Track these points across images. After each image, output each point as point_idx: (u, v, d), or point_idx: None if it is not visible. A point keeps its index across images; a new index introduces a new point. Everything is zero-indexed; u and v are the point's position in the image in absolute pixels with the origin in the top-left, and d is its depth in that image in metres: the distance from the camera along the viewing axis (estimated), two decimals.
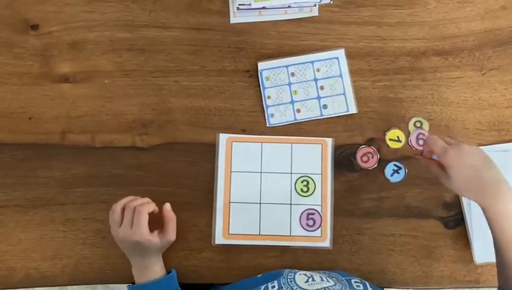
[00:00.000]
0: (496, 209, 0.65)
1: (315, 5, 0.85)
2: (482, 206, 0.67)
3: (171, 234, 0.76)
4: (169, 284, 0.74)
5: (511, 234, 0.65)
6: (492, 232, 0.67)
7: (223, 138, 0.82)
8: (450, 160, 0.68)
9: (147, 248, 0.72)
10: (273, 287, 0.67)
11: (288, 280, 0.68)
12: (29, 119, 0.82)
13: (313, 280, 0.67)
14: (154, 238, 0.73)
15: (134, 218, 0.72)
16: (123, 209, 0.73)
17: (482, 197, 0.67)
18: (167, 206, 0.76)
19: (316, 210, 0.80)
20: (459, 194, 0.76)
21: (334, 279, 0.68)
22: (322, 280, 0.67)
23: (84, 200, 0.80)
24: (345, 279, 0.69)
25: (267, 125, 0.82)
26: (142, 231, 0.71)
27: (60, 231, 0.80)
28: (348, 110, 0.83)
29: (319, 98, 0.83)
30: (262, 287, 0.66)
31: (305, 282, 0.66)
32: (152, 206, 0.74)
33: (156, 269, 0.74)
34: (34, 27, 0.85)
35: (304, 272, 0.70)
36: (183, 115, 0.83)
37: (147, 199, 0.75)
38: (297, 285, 0.66)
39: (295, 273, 0.69)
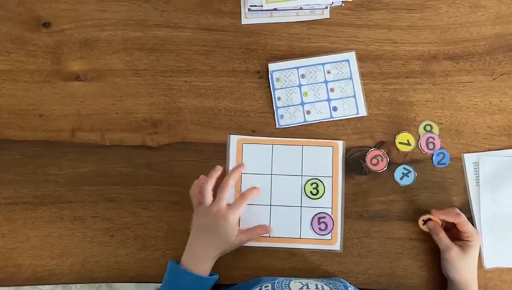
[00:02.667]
0: None
1: (326, 8, 0.85)
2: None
3: (250, 236, 0.77)
4: (209, 285, 0.73)
5: None
6: None
7: (234, 139, 0.81)
8: (476, 236, 0.73)
9: (225, 235, 0.73)
10: (266, 287, 0.66)
11: (283, 285, 0.67)
12: (39, 117, 0.83)
13: (308, 287, 0.66)
14: (237, 231, 0.74)
15: (237, 200, 0.76)
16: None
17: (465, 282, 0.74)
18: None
19: (326, 213, 0.80)
20: (450, 274, 0.75)
21: (331, 286, 0.67)
22: (317, 287, 0.66)
23: (92, 199, 0.80)
24: (343, 285, 0.68)
25: (277, 126, 0.82)
26: (237, 216, 0.74)
27: (68, 229, 0.80)
28: (358, 113, 0.83)
29: (329, 100, 0.83)
30: (256, 289, 0.66)
31: (299, 289, 0.66)
32: (255, 194, 0.78)
33: (205, 267, 0.73)
34: (46, 25, 0.85)
35: (300, 280, 0.69)
36: (193, 115, 0.83)
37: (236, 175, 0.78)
38: None
39: (290, 280, 0.68)
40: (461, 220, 0.74)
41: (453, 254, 0.73)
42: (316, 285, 0.67)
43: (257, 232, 0.78)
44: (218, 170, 0.76)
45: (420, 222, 0.78)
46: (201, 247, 0.74)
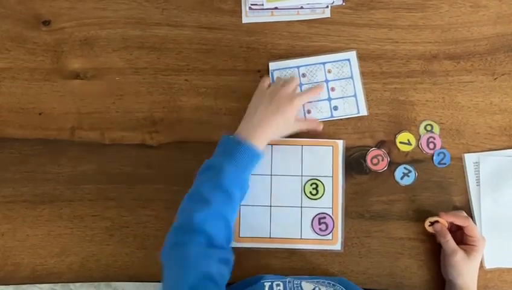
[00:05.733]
0: None
1: (327, 7, 0.85)
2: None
3: (307, 124, 0.79)
4: (257, 159, 0.73)
5: None
6: None
7: None
8: (482, 241, 0.74)
9: (285, 116, 0.75)
10: (278, 285, 0.66)
11: (295, 285, 0.67)
12: (39, 115, 0.82)
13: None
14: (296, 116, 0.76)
15: (304, 91, 0.81)
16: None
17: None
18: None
19: (327, 214, 0.79)
20: (451, 277, 0.75)
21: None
22: None
23: (92, 197, 0.80)
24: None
25: None
26: (301, 102, 0.77)
27: (68, 228, 0.80)
28: (358, 112, 0.82)
29: (329, 99, 0.83)
30: (267, 285, 0.66)
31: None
32: (320, 90, 0.82)
33: (260, 145, 0.73)
34: (46, 23, 0.85)
35: (311, 279, 0.70)
36: (193, 113, 0.83)
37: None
38: None
39: (300, 280, 0.69)
40: (469, 224, 0.74)
41: (458, 258, 0.73)
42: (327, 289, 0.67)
43: (312, 124, 0.80)
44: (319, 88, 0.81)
45: (427, 223, 0.77)
46: (261, 121, 0.74)
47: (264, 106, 0.75)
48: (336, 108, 0.83)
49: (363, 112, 0.82)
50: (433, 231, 0.77)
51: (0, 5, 0.85)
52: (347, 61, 0.84)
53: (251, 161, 0.72)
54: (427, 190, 0.81)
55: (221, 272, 0.65)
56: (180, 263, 0.63)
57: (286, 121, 0.75)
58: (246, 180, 0.72)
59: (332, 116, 0.82)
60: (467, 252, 0.73)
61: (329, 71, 0.83)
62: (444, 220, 0.76)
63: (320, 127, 0.80)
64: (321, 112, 0.82)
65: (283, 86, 0.77)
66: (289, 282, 0.68)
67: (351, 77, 0.83)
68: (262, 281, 0.69)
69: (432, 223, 0.77)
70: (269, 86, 0.80)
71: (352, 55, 0.84)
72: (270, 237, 0.79)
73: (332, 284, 0.70)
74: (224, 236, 0.68)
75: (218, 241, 0.66)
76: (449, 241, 0.74)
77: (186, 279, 0.60)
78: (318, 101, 0.83)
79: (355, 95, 0.83)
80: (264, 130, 0.73)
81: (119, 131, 0.82)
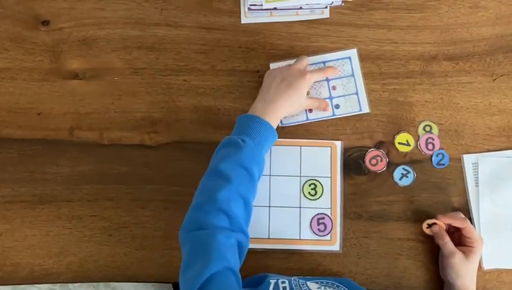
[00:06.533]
0: None
1: (326, 7, 0.85)
2: None
3: (317, 102, 0.81)
4: (273, 136, 0.74)
5: None
6: None
7: None
8: (480, 242, 0.73)
9: (298, 92, 0.75)
10: (283, 282, 0.66)
11: (300, 283, 0.67)
12: (37, 115, 0.82)
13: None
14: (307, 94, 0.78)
15: (316, 69, 0.81)
16: None
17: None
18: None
19: (325, 214, 0.79)
20: (450, 279, 0.74)
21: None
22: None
23: (91, 197, 0.80)
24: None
25: (280, 125, 0.82)
26: (313, 78, 0.78)
27: (66, 228, 0.80)
28: (360, 110, 0.82)
29: (331, 98, 0.83)
30: (273, 282, 0.66)
31: (318, 289, 0.66)
32: (332, 72, 0.83)
33: (276, 115, 0.74)
34: (45, 23, 0.85)
35: (316, 280, 0.70)
36: (192, 114, 0.83)
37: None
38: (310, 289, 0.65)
39: (307, 279, 0.69)
40: (467, 226, 0.74)
41: (456, 259, 0.73)
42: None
43: (321, 103, 0.81)
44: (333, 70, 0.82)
45: (425, 225, 0.77)
46: (274, 97, 0.74)
47: (276, 83, 0.76)
48: (337, 106, 0.83)
49: (365, 109, 0.82)
50: (430, 233, 0.77)
51: None
52: (348, 60, 0.84)
53: (267, 137, 0.72)
54: (425, 191, 0.81)
55: (239, 261, 0.65)
56: (206, 249, 0.61)
57: (299, 96, 0.76)
58: (263, 158, 0.72)
59: (334, 115, 0.82)
60: (465, 254, 0.73)
61: None
62: (442, 222, 0.76)
63: (329, 108, 0.82)
64: (322, 111, 0.82)
65: (294, 64, 0.78)
66: (294, 280, 0.68)
67: (352, 75, 0.83)
68: (268, 279, 0.69)
69: (430, 225, 0.77)
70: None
71: (353, 53, 0.84)
72: (268, 238, 0.79)
73: (337, 285, 0.70)
74: (244, 218, 0.67)
75: (239, 224, 0.65)
76: (447, 243, 0.74)
77: (211, 267, 0.59)
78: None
79: (356, 93, 0.83)
80: (278, 107, 0.74)
81: (118, 131, 0.82)
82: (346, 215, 0.80)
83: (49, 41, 0.84)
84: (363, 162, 0.81)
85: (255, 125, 0.71)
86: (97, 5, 0.85)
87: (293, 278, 0.69)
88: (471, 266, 0.73)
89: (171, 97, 0.83)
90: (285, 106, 0.75)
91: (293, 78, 0.76)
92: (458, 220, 0.75)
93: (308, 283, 0.68)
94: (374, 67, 0.84)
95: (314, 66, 0.83)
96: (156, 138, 0.82)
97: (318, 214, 0.79)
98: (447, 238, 0.74)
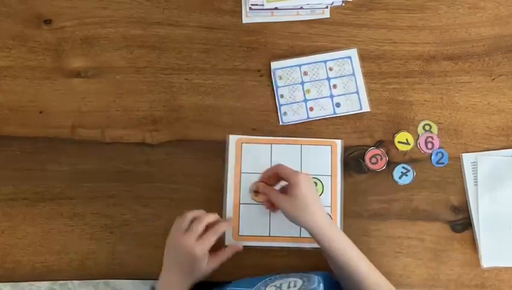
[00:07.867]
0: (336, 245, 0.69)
1: (327, 7, 0.85)
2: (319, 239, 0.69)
3: (221, 259, 0.73)
4: None
5: (355, 260, 0.69)
6: (339, 263, 0.69)
7: (233, 139, 0.81)
8: (293, 174, 0.69)
9: (194, 267, 0.70)
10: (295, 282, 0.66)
11: None
12: (39, 113, 0.83)
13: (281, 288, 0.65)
14: (207, 261, 0.70)
15: (208, 234, 0.70)
16: (192, 219, 0.71)
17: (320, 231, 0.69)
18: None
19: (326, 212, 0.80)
20: (294, 219, 0.70)
21: (305, 279, 0.66)
22: (289, 286, 0.65)
23: (92, 195, 0.80)
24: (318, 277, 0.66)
25: (281, 123, 0.82)
26: (205, 249, 0.69)
27: (68, 226, 0.80)
28: (361, 109, 0.83)
29: (332, 96, 0.83)
30: (285, 284, 0.65)
31: None
32: (226, 228, 0.74)
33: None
34: (47, 22, 0.85)
35: (274, 282, 0.68)
36: (193, 112, 0.83)
37: (217, 217, 0.74)
38: None
39: (266, 284, 0.68)
40: (279, 168, 0.72)
41: (284, 203, 0.69)
42: (289, 283, 0.66)
43: (227, 254, 0.75)
44: (213, 217, 0.73)
45: (252, 195, 0.78)
46: (176, 274, 0.71)
47: (171, 263, 0.72)
48: (338, 105, 0.83)
49: (366, 108, 0.83)
50: (262, 200, 0.77)
51: (1, 4, 0.85)
52: (348, 59, 0.84)
53: None
54: (425, 189, 0.81)
55: None
56: None
57: (196, 272, 0.71)
58: None
59: (335, 113, 0.83)
60: (288, 193, 0.70)
61: (330, 69, 0.84)
62: (263, 183, 0.76)
63: (239, 248, 0.76)
64: (323, 110, 0.83)
65: (187, 234, 0.70)
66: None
67: (353, 74, 0.84)
68: None
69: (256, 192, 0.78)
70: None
71: (353, 52, 0.84)
72: (269, 236, 0.79)
73: (306, 276, 0.68)
74: None
75: None
76: (276, 196, 0.72)
77: None
78: (320, 98, 0.83)
79: (357, 92, 0.83)
80: (180, 284, 0.70)
81: (119, 129, 0.82)
82: (346, 213, 0.80)
83: (51, 40, 0.85)
84: (363, 160, 0.82)
85: None
86: (99, 4, 0.85)
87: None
88: (298, 202, 0.68)
89: (173, 96, 0.83)
90: (187, 283, 0.71)
91: (182, 257, 0.69)
92: (270, 170, 0.74)
93: (267, 288, 0.66)
94: (373, 66, 0.85)
95: (314, 64, 0.84)
96: (157, 136, 0.82)
97: None
98: (274, 191, 0.73)
